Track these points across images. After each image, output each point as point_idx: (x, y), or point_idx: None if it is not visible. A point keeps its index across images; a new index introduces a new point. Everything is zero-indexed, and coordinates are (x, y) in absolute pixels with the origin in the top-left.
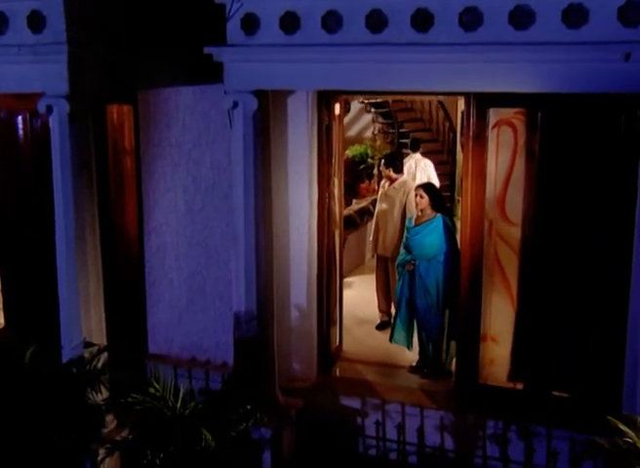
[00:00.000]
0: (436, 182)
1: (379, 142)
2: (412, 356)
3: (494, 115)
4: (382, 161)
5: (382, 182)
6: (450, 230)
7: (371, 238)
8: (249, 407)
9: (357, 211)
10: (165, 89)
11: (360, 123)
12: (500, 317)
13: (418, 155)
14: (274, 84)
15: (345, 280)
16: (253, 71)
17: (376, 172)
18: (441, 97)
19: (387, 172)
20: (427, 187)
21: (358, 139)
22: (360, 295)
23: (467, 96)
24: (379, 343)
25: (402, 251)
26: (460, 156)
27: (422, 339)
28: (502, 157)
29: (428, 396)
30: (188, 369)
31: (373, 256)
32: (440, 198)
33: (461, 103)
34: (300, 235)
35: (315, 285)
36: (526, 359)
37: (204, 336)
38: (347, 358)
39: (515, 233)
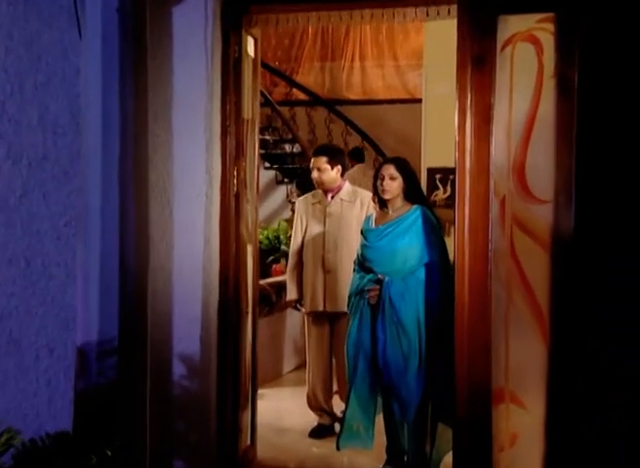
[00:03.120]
0: None
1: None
2: (374, 458)
3: (505, 26)
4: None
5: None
6: (434, 228)
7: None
8: None
9: (273, 285)
10: None
11: (270, 200)
12: (524, 362)
13: (363, 167)
14: None
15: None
16: None
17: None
18: None
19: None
20: (400, 163)
21: (268, 221)
22: (278, 406)
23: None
24: (315, 451)
25: (355, 273)
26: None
27: (393, 423)
28: (520, 94)
29: None
30: None
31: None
32: (418, 182)
33: None
34: (189, 243)
35: (215, 331)
36: (574, 432)
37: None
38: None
39: (544, 217)
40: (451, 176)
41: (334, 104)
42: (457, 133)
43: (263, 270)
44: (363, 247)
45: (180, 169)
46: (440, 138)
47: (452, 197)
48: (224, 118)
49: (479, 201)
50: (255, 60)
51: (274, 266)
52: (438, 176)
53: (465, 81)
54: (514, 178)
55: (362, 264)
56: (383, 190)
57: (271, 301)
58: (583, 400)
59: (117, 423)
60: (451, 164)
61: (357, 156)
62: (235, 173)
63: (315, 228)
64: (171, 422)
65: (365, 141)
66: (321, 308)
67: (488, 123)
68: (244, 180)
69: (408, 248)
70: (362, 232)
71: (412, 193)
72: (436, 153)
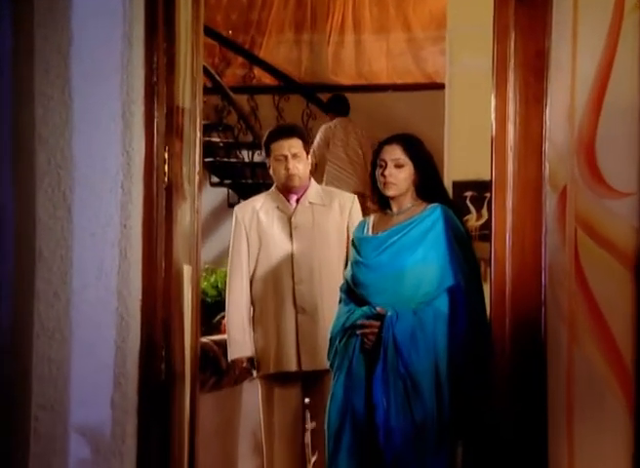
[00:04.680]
0: None
1: None
2: None
3: None
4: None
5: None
6: (461, 237)
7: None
8: None
9: (220, 343)
10: None
11: (220, 231)
12: (598, 444)
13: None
14: None
15: None
16: None
17: None
18: None
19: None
20: (410, 144)
21: (217, 262)
22: None
23: None
24: None
25: (341, 305)
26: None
27: None
28: (588, 35)
29: None
30: None
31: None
32: (436, 170)
33: None
34: (97, 259)
35: (135, 395)
36: None
37: None
38: None
39: (625, 217)
40: (487, 195)
41: (315, 92)
42: (493, 93)
43: (209, 325)
44: (355, 265)
45: (82, 147)
46: (471, 139)
47: (489, 225)
48: (150, 72)
49: (527, 194)
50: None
51: (223, 322)
52: (469, 195)
53: (506, 18)
54: (580, 161)
55: (352, 292)
56: (386, 183)
57: (220, 368)
58: None
59: None
60: (486, 175)
61: (338, 106)
62: (167, 156)
63: (276, 249)
64: None
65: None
66: (293, 367)
67: (541, 79)
68: (180, 169)
69: (422, 266)
70: (353, 243)
71: (427, 187)
72: (465, 160)
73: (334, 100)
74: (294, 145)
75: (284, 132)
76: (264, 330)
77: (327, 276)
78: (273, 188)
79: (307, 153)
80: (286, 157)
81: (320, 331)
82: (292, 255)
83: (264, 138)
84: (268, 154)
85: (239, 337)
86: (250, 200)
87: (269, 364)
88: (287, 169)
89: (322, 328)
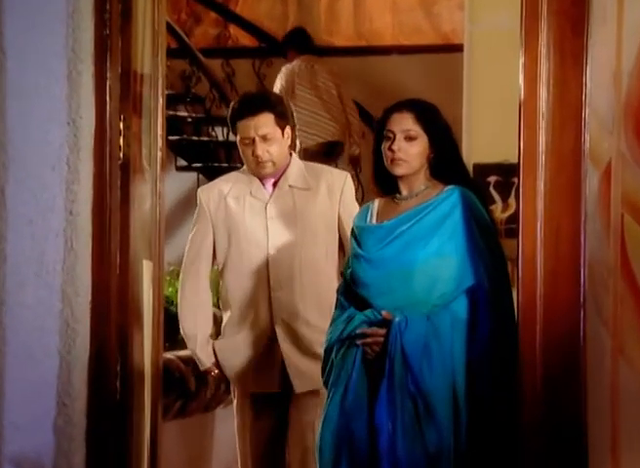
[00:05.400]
0: None
1: None
2: None
3: None
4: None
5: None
6: (484, 226)
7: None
8: None
9: (188, 360)
10: None
11: (188, 227)
12: None
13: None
14: None
15: None
16: None
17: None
18: None
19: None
20: (424, 111)
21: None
22: None
23: None
24: None
25: (337, 310)
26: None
27: None
28: None
29: None
30: None
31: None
32: (455, 145)
33: None
34: (37, 252)
35: (84, 416)
36: None
37: None
38: None
39: None
40: (515, 180)
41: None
42: (522, 50)
43: (175, 339)
44: (355, 260)
45: (18, 115)
46: (496, 113)
47: (517, 217)
48: (101, 22)
49: (562, 173)
50: None
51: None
52: (493, 180)
53: None
54: (627, 131)
55: (351, 293)
56: (394, 159)
57: (188, 391)
58: None
59: None
60: (514, 156)
61: (298, 42)
62: (122, 127)
63: (248, 246)
64: None
65: (366, 124)
66: (275, 387)
67: (580, 32)
68: (139, 147)
69: (437, 260)
70: (353, 233)
71: (445, 165)
72: (489, 138)
73: (292, 35)
74: (262, 124)
75: (249, 106)
76: (236, 344)
77: (311, 279)
78: (245, 167)
79: (284, 129)
80: (253, 140)
81: (302, 345)
82: (267, 254)
83: (228, 113)
84: (235, 133)
85: (202, 343)
86: (216, 181)
87: (249, 382)
88: (255, 155)
89: (305, 342)
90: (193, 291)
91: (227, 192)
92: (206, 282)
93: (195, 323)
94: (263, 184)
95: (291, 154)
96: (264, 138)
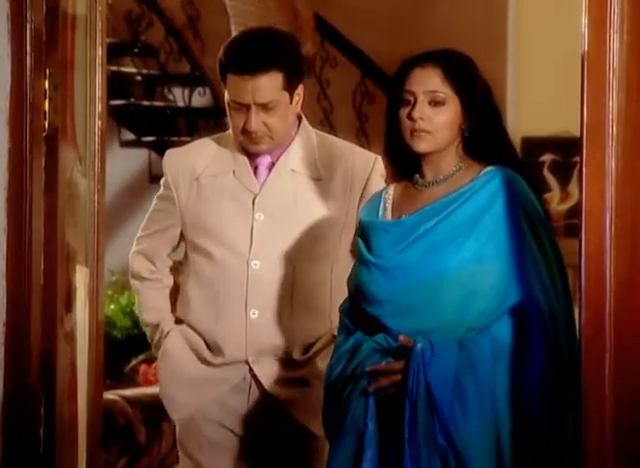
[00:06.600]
0: None
1: None
2: None
3: None
4: None
5: None
6: (536, 220)
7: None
8: None
9: (140, 402)
10: None
11: (137, 222)
12: None
13: None
14: None
15: None
16: None
17: None
18: None
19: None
20: (455, 65)
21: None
22: None
23: None
24: None
25: (340, 334)
26: None
27: None
28: None
29: None
30: None
31: None
32: (497, 112)
33: None
34: None
35: None
36: None
37: None
38: None
39: None
40: (577, 159)
41: None
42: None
43: (119, 374)
44: (363, 267)
45: None
46: (550, 71)
47: (579, 210)
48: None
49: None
50: None
51: (142, 368)
52: (548, 160)
53: None
54: None
55: (358, 311)
56: (414, 131)
57: (136, 442)
58: None
59: None
60: (576, 129)
61: None
62: (47, 86)
63: (222, 251)
64: None
65: (374, 82)
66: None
67: None
68: (70, 112)
69: (473, 268)
70: (360, 232)
71: (483, 139)
72: (542, 106)
73: None
74: (264, 88)
75: (249, 57)
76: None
77: (306, 307)
78: (230, 132)
79: (294, 91)
80: (248, 107)
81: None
82: (247, 267)
83: (219, 57)
84: (224, 86)
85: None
86: (188, 148)
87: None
88: (247, 128)
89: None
90: (150, 270)
91: (202, 170)
92: (165, 269)
93: (158, 299)
94: (255, 165)
95: (299, 121)
96: (265, 107)
